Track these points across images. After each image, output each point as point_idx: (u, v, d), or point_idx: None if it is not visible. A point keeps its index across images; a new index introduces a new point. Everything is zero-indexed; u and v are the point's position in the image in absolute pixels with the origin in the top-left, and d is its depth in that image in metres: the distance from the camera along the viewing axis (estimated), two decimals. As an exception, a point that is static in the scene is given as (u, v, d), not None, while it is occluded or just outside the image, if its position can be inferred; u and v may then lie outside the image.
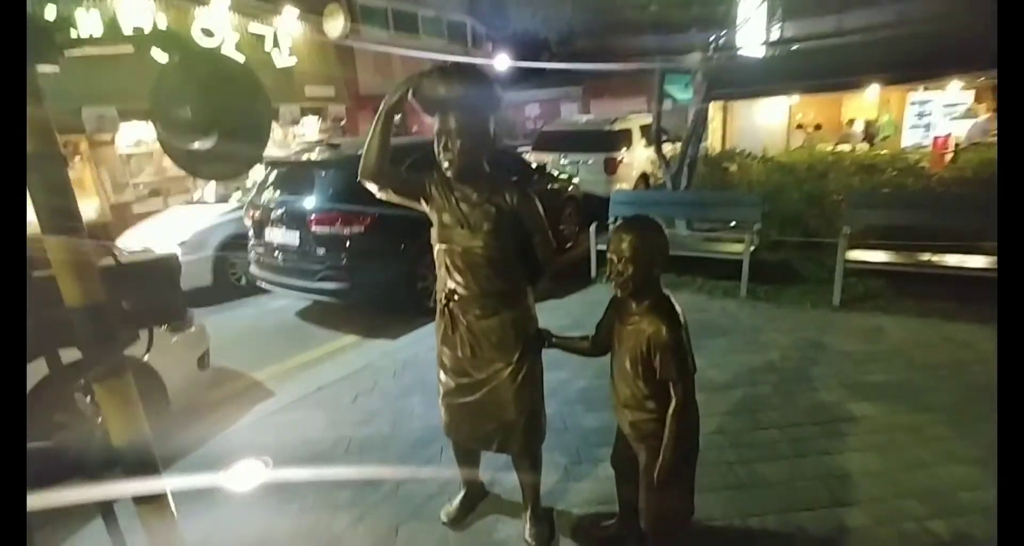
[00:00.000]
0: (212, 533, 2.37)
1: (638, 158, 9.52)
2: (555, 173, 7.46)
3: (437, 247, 1.97)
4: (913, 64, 10.48)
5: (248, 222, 5.54)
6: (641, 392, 1.71)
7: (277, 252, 5.26)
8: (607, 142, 9.09)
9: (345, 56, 12.43)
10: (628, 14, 6.67)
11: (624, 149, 9.18)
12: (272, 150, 11.04)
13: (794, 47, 11.43)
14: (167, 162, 9.76)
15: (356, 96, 13.00)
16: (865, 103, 14.08)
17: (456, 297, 1.97)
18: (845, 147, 11.69)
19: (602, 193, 8.62)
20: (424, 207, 1.99)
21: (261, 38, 10.64)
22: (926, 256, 4.53)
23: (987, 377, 3.32)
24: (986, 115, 11.06)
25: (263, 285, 5.48)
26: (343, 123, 12.48)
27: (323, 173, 5.06)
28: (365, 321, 5.18)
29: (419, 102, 1.81)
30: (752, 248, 5.00)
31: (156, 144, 9.54)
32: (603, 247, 5.80)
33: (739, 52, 6.95)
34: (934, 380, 3.32)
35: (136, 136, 9.26)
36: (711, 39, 7.55)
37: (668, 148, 9.86)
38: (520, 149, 9.91)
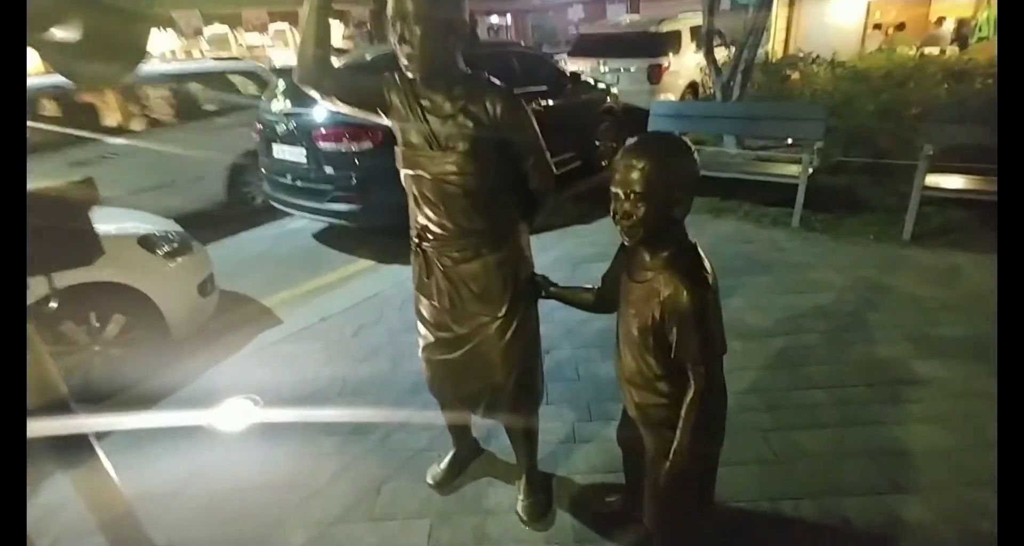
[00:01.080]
0: (188, 478, 2.23)
1: (686, 65, 8.51)
2: (591, 82, 6.69)
3: (403, 173, 1.57)
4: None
5: (256, 137, 5.18)
6: (651, 370, 1.33)
7: (287, 171, 4.92)
8: (652, 46, 8.09)
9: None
10: None
11: (671, 54, 8.18)
12: (285, 55, 10.54)
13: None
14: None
15: (382, -3, 11.97)
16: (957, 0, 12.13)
17: (429, 236, 1.60)
18: (932, 50, 10.20)
19: (644, 105, 7.79)
20: (384, 120, 1.57)
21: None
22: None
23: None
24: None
25: (276, 206, 5.21)
26: (367, 28, 11.62)
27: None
28: (380, 245, 4.89)
29: None
30: (811, 170, 4.35)
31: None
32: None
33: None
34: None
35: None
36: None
37: (722, 54, 8.80)
38: (557, 57, 9.01)
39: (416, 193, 1.56)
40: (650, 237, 1.24)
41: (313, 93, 1.49)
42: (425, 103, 1.49)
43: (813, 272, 3.66)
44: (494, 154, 1.49)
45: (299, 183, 4.84)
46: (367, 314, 3.57)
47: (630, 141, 1.24)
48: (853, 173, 4.92)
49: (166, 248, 3.24)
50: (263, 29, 9.68)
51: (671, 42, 8.22)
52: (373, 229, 4.87)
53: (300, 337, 3.38)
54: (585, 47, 8.63)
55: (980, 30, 11.35)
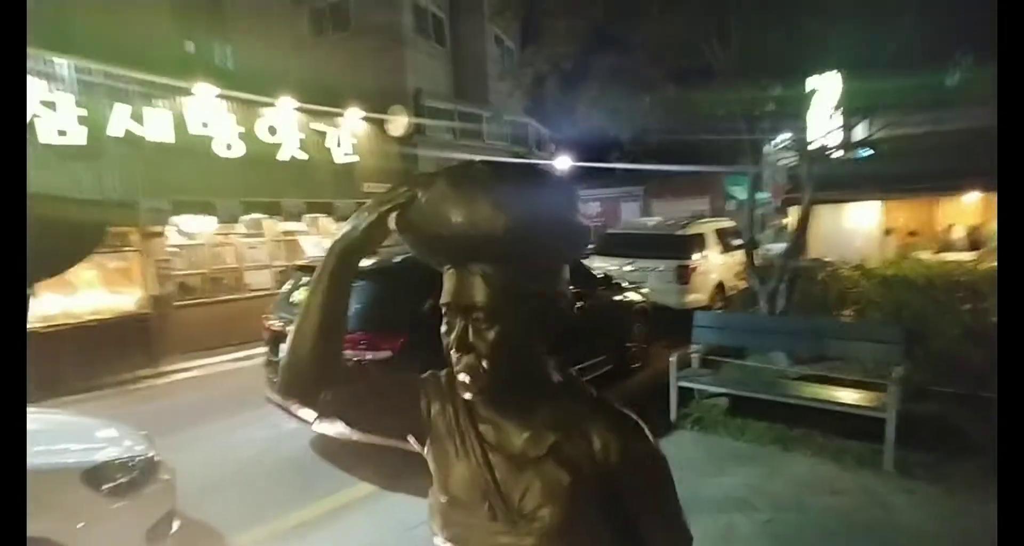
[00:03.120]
0: None
1: (713, 265, 8.48)
2: (622, 283, 6.50)
3: (435, 536, 0.97)
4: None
5: (265, 335, 4.78)
6: None
7: (291, 374, 4.42)
8: (679, 247, 8.13)
9: (408, 154, 12.42)
10: (708, 111, 5.97)
11: (696, 255, 8.19)
12: (312, 246, 10.89)
13: (884, 147, 10.50)
14: (215, 257, 9.55)
15: (415, 194, 12.75)
16: (964, 208, 12.68)
17: None
18: (949, 256, 10.27)
19: (674, 304, 7.56)
20: (415, 446, 1.02)
21: (323, 135, 10.70)
22: None
23: None
24: None
25: (279, 408, 4.61)
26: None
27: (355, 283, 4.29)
28: (384, 463, 4.13)
29: (411, 236, 0.90)
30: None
31: (205, 237, 9.41)
32: (686, 383, 4.69)
33: (830, 152, 6.02)
34: None
35: (188, 228, 9.13)
36: (798, 139, 6.72)
37: (741, 254, 8.84)
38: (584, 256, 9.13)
39: None
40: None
41: (304, 412, 0.97)
42: (488, 433, 0.94)
43: (943, 548, 2.82)
44: (596, 522, 0.90)
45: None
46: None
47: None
48: (944, 402, 4.27)
49: (119, 479, 2.58)
50: (298, 217, 10.10)
51: (696, 243, 8.29)
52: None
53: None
54: (612, 246, 8.73)
55: (994, 238, 11.63)
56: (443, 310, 0.91)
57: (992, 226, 12.09)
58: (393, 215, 0.89)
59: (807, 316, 5.51)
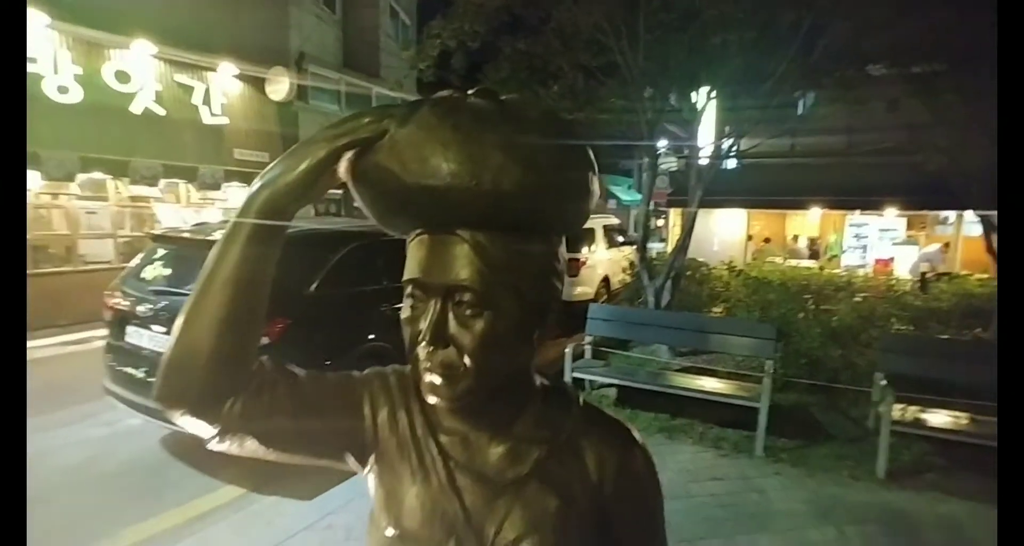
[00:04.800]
0: None
1: (600, 260, 8.76)
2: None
3: None
4: (858, 191, 10.79)
5: (107, 315, 4.03)
6: None
7: (140, 362, 3.75)
8: (569, 240, 8.25)
9: (287, 122, 11.34)
10: (608, 108, 6.10)
11: (585, 249, 8.40)
12: (169, 216, 9.56)
13: (751, 161, 11.57)
14: (38, 221, 7.98)
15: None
16: (807, 221, 14.43)
17: None
18: (797, 263, 11.63)
19: (564, 296, 7.68)
20: (353, 467, 0.78)
21: (189, 90, 9.43)
22: (974, 418, 3.71)
23: None
24: (937, 245, 11.35)
25: (117, 402, 3.91)
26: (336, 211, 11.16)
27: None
28: (261, 464, 3.66)
29: (372, 185, 0.65)
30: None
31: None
32: (579, 374, 4.73)
33: (712, 161, 6.43)
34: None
35: None
36: (686, 146, 7.13)
37: (627, 251, 9.27)
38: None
39: None
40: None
41: (193, 425, 0.66)
42: (454, 449, 0.73)
43: (810, 529, 3.06)
44: None
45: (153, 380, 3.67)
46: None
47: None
48: (802, 393, 4.72)
49: None
50: (153, 181, 8.75)
51: (586, 238, 8.49)
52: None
53: None
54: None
55: (831, 250, 13.40)
56: (407, 289, 0.67)
57: (830, 237, 13.93)
58: (349, 154, 0.64)
59: (688, 311, 5.83)
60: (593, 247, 8.60)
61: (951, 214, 12.29)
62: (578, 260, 7.96)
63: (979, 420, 3.67)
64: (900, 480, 3.60)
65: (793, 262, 11.68)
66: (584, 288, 8.08)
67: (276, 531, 2.93)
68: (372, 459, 0.75)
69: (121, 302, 3.93)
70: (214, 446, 0.69)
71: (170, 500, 3.35)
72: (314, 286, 3.81)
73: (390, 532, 0.72)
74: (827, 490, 3.49)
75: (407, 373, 0.77)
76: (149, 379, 3.65)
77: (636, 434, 0.78)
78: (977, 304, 7.26)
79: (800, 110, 9.53)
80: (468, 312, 0.64)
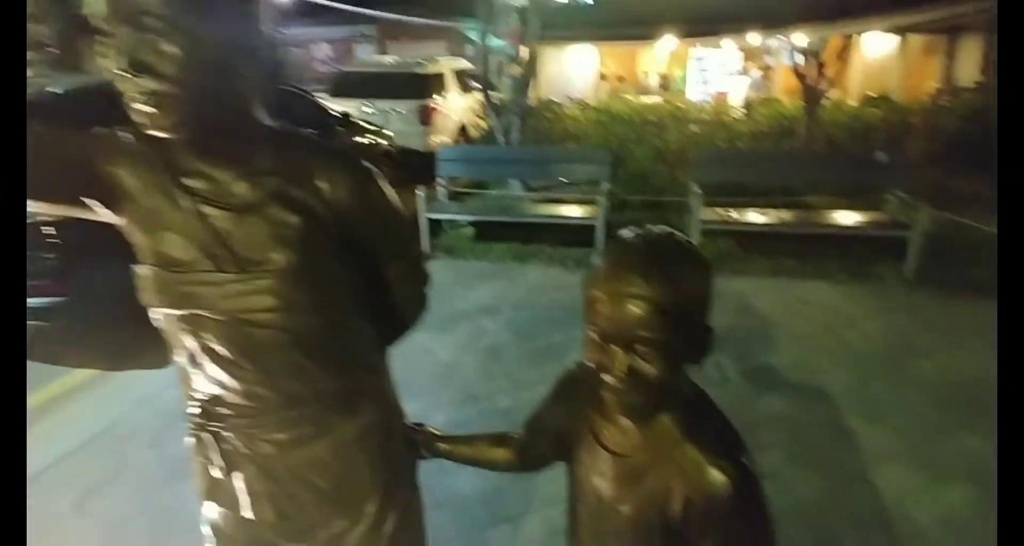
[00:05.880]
0: None
1: (455, 107, 8.49)
2: (363, 124, 6.13)
3: (159, 313, 0.84)
4: (703, 19, 11.16)
5: None
6: None
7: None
8: (419, 87, 7.84)
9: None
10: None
11: (438, 96, 8.07)
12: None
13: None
14: None
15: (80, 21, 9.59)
16: (656, 58, 14.82)
17: (226, 413, 0.88)
18: (647, 98, 12.15)
19: (419, 146, 7.51)
20: (103, 214, 0.82)
21: None
22: (770, 214, 4.44)
23: (863, 345, 3.20)
24: (758, 72, 12.28)
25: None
26: (52, 50, 9.12)
27: None
28: (106, 346, 3.52)
29: None
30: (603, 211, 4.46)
31: None
32: (436, 215, 4.86)
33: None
34: (821, 355, 3.09)
35: None
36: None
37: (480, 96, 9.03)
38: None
39: (194, 346, 0.83)
40: (652, 398, 0.75)
41: None
42: (198, 185, 0.79)
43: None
44: (338, 267, 0.86)
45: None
46: (97, 463, 2.39)
47: (615, 248, 0.74)
48: (636, 210, 5.26)
49: None
50: None
51: (437, 83, 8.10)
52: (88, 328, 3.49)
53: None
54: (349, 86, 7.99)
55: (677, 84, 14.09)
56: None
57: (676, 72, 14.55)
58: None
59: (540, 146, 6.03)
60: (445, 94, 8.28)
61: (775, 43, 13.20)
62: (429, 107, 7.69)
63: (770, 213, 4.39)
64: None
65: (645, 99, 12.21)
66: (441, 137, 7.91)
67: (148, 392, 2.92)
68: (120, 209, 0.81)
69: None
70: None
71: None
72: None
73: (154, 268, 0.80)
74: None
75: (145, 132, 0.78)
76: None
77: (371, 167, 0.89)
78: (787, 125, 8.23)
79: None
80: (158, 40, 0.66)
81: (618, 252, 0.72)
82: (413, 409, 1.12)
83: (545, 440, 0.97)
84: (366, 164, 0.88)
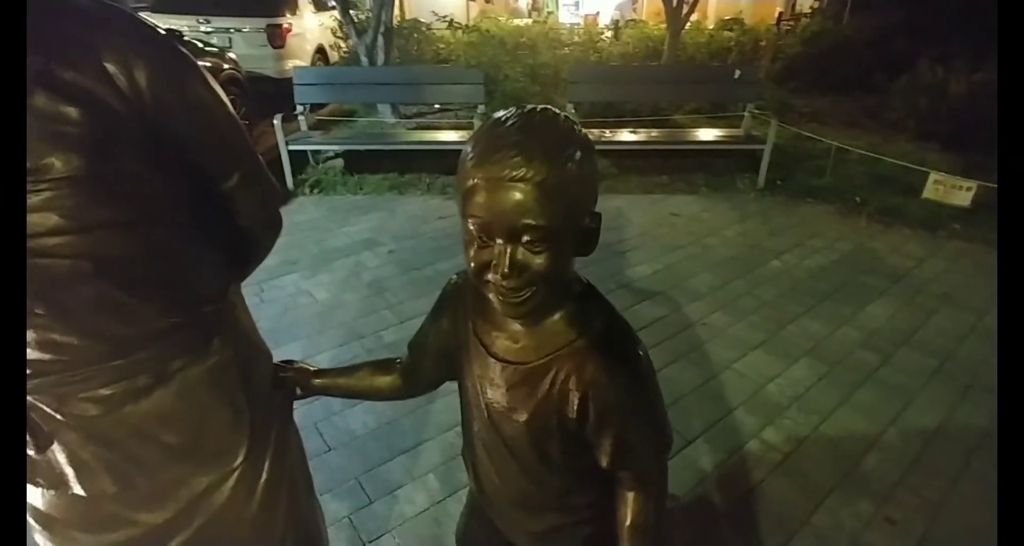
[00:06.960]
0: None
1: (309, 27, 7.62)
2: (199, 44, 5.31)
3: None
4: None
5: None
6: (555, 484, 0.83)
7: None
8: (265, 3, 6.91)
9: None
10: None
11: (289, 13, 7.17)
12: None
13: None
14: None
15: None
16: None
17: (39, 371, 0.70)
18: (517, 21, 11.78)
19: (272, 72, 6.72)
20: None
21: None
22: (641, 133, 4.56)
23: (724, 250, 3.47)
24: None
25: None
26: None
27: None
28: None
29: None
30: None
31: None
32: (299, 147, 4.41)
33: None
34: (689, 262, 3.31)
35: None
36: None
37: (338, 14, 8.18)
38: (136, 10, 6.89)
39: None
40: (542, 303, 0.69)
41: None
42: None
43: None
44: (150, 176, 0.68)
45: None
46: None
47: (490, 129, 0.64)
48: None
49: None
50: None
51: (286, 0, 7.18)
52: None
53: None
54: (176, 0, 6.84)
55: (547, 6, 13.79)
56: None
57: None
58: None
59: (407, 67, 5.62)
60: (298, 10, 7.38)
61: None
62: (280, 26, 6.83)
63: (641, 133, 4.50)
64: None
65: (516, 21, 11.82)
66: (296, 61, 7.11)
67: None
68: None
69: None
70: None
71: None
72: None
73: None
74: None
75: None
76: None
77: (171, 44, 0.69)
78: (653, 46, 8.40)
79: None
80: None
81: (493, 132, 0.62)
82: (293, 354, 0.98)
83: (431, 359, 0.90)
84: (181, 49, 0.68)
